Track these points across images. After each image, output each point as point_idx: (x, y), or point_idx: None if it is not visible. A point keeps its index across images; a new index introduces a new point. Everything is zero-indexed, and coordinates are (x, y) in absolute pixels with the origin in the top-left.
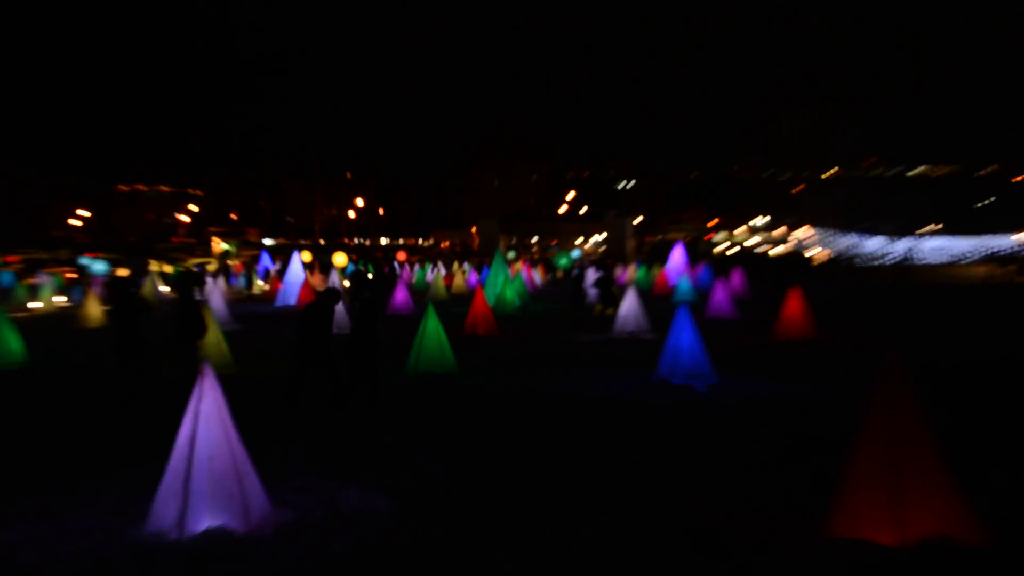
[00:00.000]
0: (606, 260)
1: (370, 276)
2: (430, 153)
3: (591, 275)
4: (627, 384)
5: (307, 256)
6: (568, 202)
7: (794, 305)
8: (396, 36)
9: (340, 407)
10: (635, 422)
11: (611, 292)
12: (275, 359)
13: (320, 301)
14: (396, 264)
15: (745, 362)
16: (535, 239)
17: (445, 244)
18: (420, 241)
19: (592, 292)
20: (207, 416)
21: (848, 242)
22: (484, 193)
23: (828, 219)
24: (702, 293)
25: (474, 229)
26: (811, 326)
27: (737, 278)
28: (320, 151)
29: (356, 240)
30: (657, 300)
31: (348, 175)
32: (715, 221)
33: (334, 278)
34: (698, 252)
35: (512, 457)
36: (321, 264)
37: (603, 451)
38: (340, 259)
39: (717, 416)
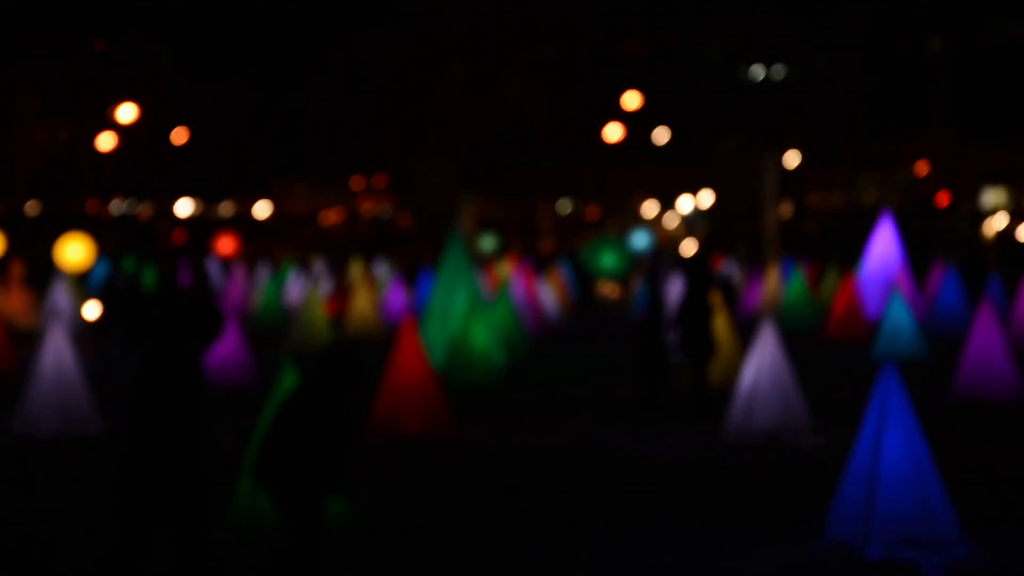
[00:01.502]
0: (708, 253)
1: (142, 292)
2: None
3: (675, 290)
4: (762, 566)
5: None
6: (625, 117)
7: None
8: None
9: None
10: None
11: (705, 332)
12: None
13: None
14: (211, 264)
15: None
16: (548, 204)
17: (331, 218)
18: (267, 207)
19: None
20: None
21: None
22: (428, 97)
23: None
24: (941, 337)
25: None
26: None
27: None
28: None
29: (116, 205)
30: (834, 352)
31: (98, 46)
32: (922, 170)
33: (59, 296)
34: (929, 234)
35: None
36: (32, 263)
37: None
38: (75, 252)
39: None
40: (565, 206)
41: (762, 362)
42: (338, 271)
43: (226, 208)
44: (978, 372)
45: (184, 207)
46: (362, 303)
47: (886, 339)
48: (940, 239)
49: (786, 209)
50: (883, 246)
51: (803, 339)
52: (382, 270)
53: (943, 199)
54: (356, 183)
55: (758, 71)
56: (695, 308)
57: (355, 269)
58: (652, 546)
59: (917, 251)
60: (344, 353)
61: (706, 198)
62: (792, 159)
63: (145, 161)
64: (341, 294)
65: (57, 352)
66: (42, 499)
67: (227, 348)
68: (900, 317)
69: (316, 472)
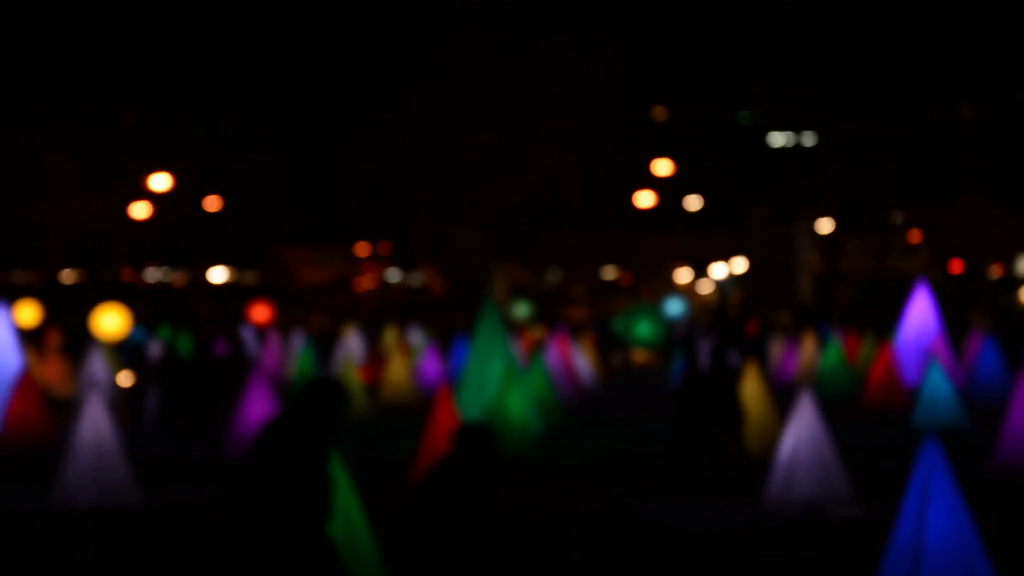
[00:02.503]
0: (740, 319)
1: (178, 360)
2: (334, 74)
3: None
4: None
5: (29, 312)
6: (656, 185)
7: None
8: None
9: None
10: None
11: (732, 397)
12: None
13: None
14: (247, 332)
15: None
16: (582, 272)
17: (368, 282)
18: (297, 274)
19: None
20: None
21: None
22: (458, 166)
23: None
24: (980, 406)
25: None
26: None
27: None
28: (59, 67)
29: (151, 273)
30: (872, 421)
31: (131, 116)
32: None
33: (95, 366)
34: (961, 303)
35: None
36: (68, 332)
37: None
38: (111, 321)
39: None
40: (607, 274)
41: (800, 431)
42: (370, 335)
43: (259, 275)
44: (1020, 442)
45: (217, 274)
46: (397, 370)
47: (925, 408)
48: (975, 306)
49: (816, 270)
50: (920, 314)
51: (841, 407)
52: (416, 337)
53: (956, 267)
54: (362, 250)
55: (787, 138)
56: (720, 377)
57: (389, 336)
58: None
59: (953, 318)
60: (481, 435)
61: (739, 265)
62: (825, 226)
63: (179, 229)
64: (376, 361)
65: (94, 423)
66: (79, 573)
67: (263, 413)
68: (939, 385)
69: (466, 558)
